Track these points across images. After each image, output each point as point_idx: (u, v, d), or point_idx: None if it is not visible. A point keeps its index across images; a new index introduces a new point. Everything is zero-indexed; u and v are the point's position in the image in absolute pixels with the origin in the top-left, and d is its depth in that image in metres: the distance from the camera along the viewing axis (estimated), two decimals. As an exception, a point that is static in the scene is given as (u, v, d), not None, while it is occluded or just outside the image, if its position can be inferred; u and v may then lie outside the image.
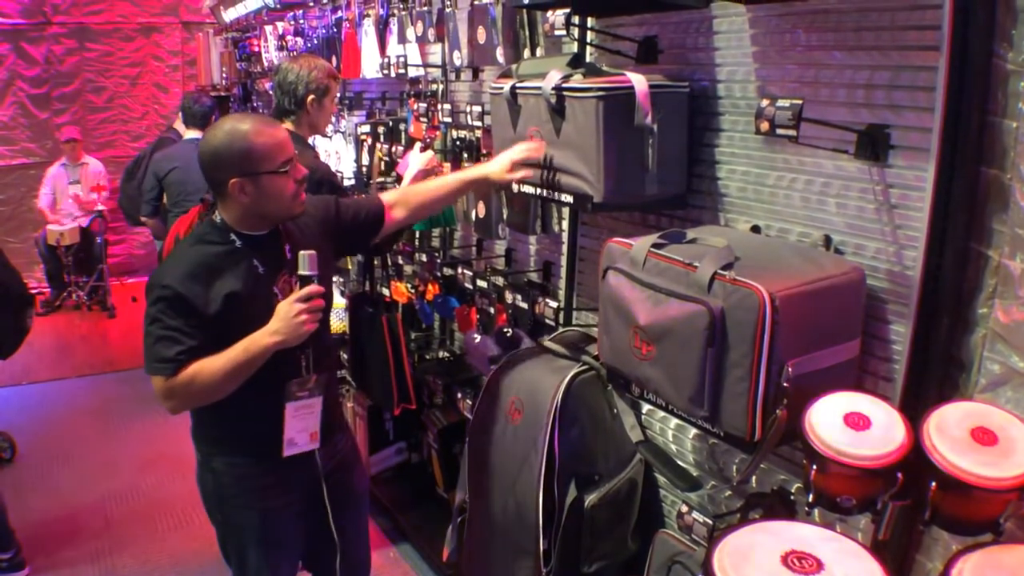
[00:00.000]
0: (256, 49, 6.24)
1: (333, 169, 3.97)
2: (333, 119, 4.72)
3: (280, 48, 5.47)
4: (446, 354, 4.09)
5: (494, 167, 2.46)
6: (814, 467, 1.49)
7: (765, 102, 1.80)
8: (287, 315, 2.12)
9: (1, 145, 8.50)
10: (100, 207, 7.71)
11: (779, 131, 1.77)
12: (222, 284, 2.15)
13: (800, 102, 1.75)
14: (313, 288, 2.15)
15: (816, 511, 1.90)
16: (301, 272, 2.16)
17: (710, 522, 2.11)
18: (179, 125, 6.03)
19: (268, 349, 2.12)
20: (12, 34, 8.36)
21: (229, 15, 7.53)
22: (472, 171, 2.63)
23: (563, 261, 3.00)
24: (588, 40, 2.64)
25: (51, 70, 8.62)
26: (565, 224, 2.98)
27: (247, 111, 6.70)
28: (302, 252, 2.17)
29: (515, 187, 2.45)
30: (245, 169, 2.11)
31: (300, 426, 2.33)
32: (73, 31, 8.66)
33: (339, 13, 4.50)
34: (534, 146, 2.32)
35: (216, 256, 2.18)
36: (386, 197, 2.61)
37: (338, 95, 3.84)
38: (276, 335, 2.12)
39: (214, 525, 2.46)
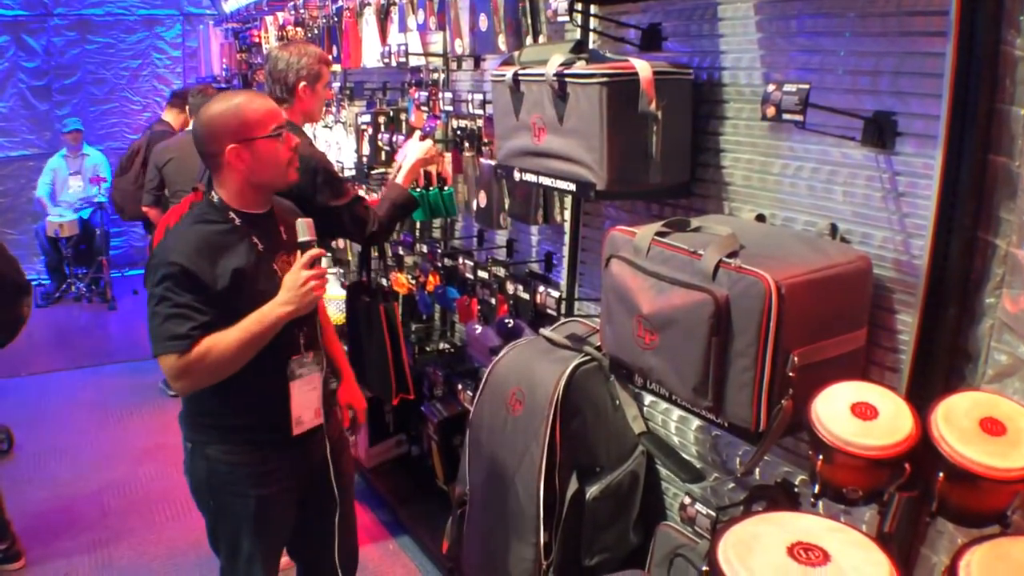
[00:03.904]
0: (257, 40, 6.22)
1: (332, 159, 3.94)
2: (333, 109, 4.70)
3: (281, 38, 5.45)
4: (446, 345, 4.07)
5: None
6: (820, 457, 1.47)
7: (771, 87, 1.77)
8: (295, 284, 2.16)
9: (1, 137, 8.47)
10: (101, 198, 7.67)
11: (785, 116, 1.74)
12: (227, 261, 2.17)
13: (807, 87, 1.72)
14: (315, 252, 2.19)
15: (820, 503, 1.88)
16: (301, 239, 2.21)
17: (713, 514, 2.09)
18: (168, 116, 6.01)
19: (281, 319, 2.16)
20: (13, 25, 8.33)
21: (230, 6, 7.52)
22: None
23: (565, 251, 2.98)
24: (591, 27, 2.61)
25: (52, 62, 8.59)
26: (567, 214, 2.95)
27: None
28: (299, 220, 2.24)
29: (517, 175, 2.42)
30: (241, 135, 2.17)
31: (304, 403, 2.37)
32: (74, 23, 8.62)
33: (340, 2, 4.48)
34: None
35: (217, 234, 2.20)
36: None
37: (332, 81, 3.81)
38: (288, 305, 2.16)
39: (204, 514, 2.44)
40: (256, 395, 2.29)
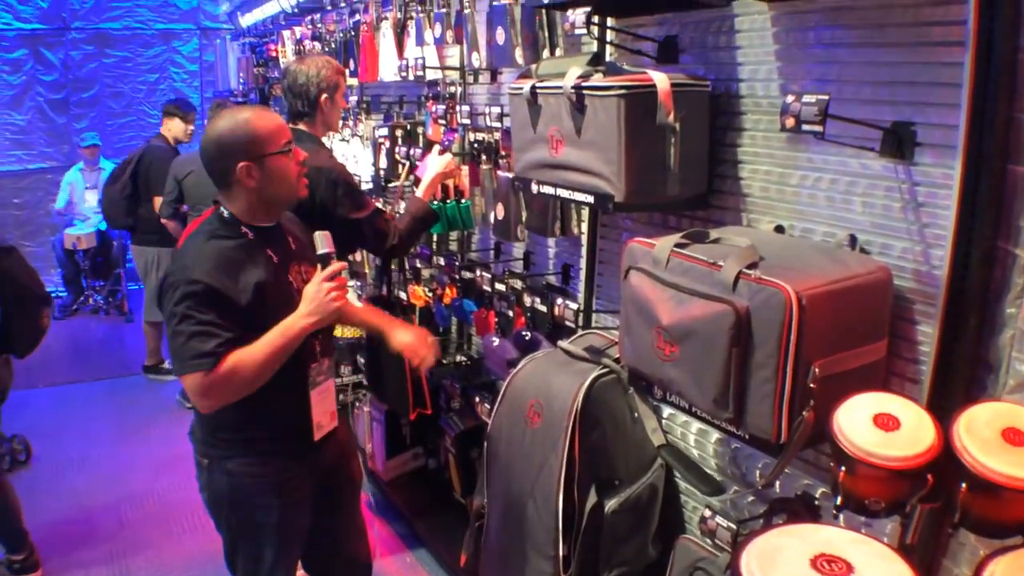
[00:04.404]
0: (274, 54, 6.26)
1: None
2: (350, 123, 4.73)
3: (297, 52, 5.48)
4: (463, 358, 4.07)
5: (396, 337, 2.70)
6: (842, 469, 1.46)
7: (791, 98, 1.77)
8: (317, 296, 2.17)
9: (19, 149, 8.55)
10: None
11: (805, 127, 1.74)
12: (247, 275, 2.18)
13: (826, 97, 1.72)
14: (336, 266, 2.21)
15: (841, 515, 1.87)
16: (320, 251, 2.22)
17: (734, 527, 2.08)
18: (166, 130, 6.05)
19: (305, 331, 2.18)
20: (31, 39, 8.42)
21: (247, 20, 7.57)
22: (378, 319, 2.83)
23: (583, 263, 2.98)
24: (608, 40, 2.62)
25: (69, 75, 8.67)
26: (584, 226, 2.96)
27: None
28: (317, 233, 2.24)
29: (535, 188, 2.43)
30: (251, 152, 2.17)
31: (322, 409, 2.41)
32: (92, 36, 8.72)
33: (357, 16, 4.50)
34: None
35: (233, 249, 2.20)
36: None
37: (347, 91, 3.83)
38: (311, 316, 2.17)
39: (222, 530, 2.43)
40: (277, 405, 2.29)
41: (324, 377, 2.41)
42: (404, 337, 2.69)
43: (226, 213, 2.24)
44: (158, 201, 5.70)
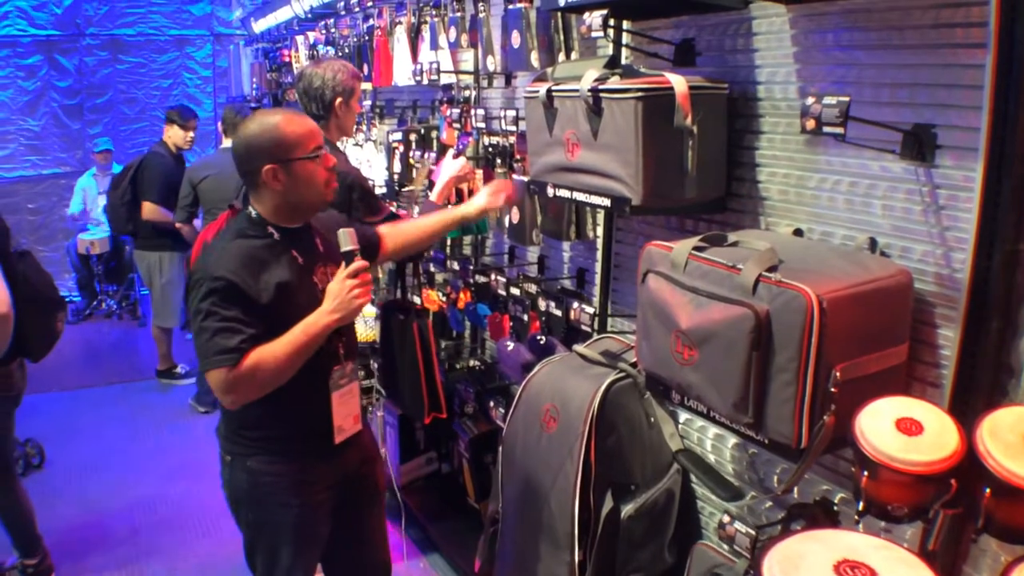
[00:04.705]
0: (288, 59, 6.27)
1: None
2: (364, 127, 4.73)
3: (311, 57, 5.49)
4: (476, 363, 4.06)
5: (469, 208, 2.79)
6: (865, 474, 1.45)
7: (811, 100, 1.76)
8: (340, 293, 2.17)
9: (33, 155, 8.60)
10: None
11: (826, 129, 1.73)
12: (270, 274, 2.19)
13: (847, 99, 1.71)
14: (359, 263, 2.19)
15: (861, 521, 1.85)
16: (343, 248, 2.21)
17: (753, 532, 2.06)
18: (167, 136, 6.05)
19: (328, 328, 2.18)
20: (46, 45, 8.47)
21: (260, 26, 7.58)
22: (451, 213, 2.82)
23: (598, 268, 2.97)
24: (624, 43, 2.61)
25: (84, 81, 8.72)
26: (600, 230, 2.94)
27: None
28: (340, 230, 2.22)
29: (550, 191, 2.42)
30: (277, 156, 2.18)
31: (345, 412, 2.40)
32: (106, 43, 8.77)
33: (371, 21, 4.50)
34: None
35: (258, 248, 2.22)
36: (381, 229, 2.71)
37: (363, 96, 3.83)
38: (334, 313, 2.17)
39: (242, 527, 2.45)
40: (299, 406, 2.31)
41: (347, 380, 2.40)
42: (479, 201, 2.77)
43: (254, 213, 2.26)
44: (147, 206, 5.74)
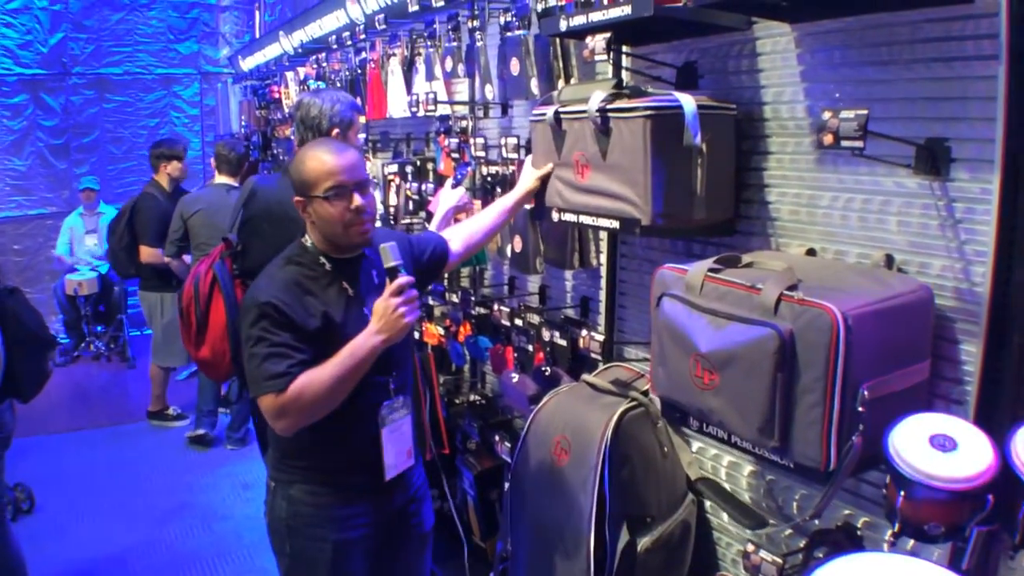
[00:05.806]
0: (277, 96, 6.25)
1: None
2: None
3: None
4: (477, 397, 4.00)
5: (519, 192, 2.60)
6: (901, 493, 1.40)
7: (827, 114, 1.74)
8: (385, 312, 2.10)
9: (19, 195, 8.53)
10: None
11: (844, 143, 1.70)
12: (316, 302, 2.16)
13: (865, 112, 1.68)
14: (404, 280, 2.11)
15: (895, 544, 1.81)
16: (386, 265, 2.13)
17: (780, 561, 2.01)
18: (161, 178, 5.99)
19: (375, 349, 2.11)
20: (31, 84, 8.44)
21: (248, 64, 7.58)
22: (508, 200, 2.67)
23: (602, 295, 2.93)
24: (624, 66, 2.59)
25: (70, 120, 8.68)
26: (603, 257, 2.91)
27: (276, 158, 6.72)
28: (382, 245, 2.14)
29: (555, 216, 2.39)
30: (300, 191, 2.20)
31: (395, 449, 2.34)
32: (92, 82, 8.74)
33: (363, 55, 4.49)
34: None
35: (306, 276, 2.20)
36: (445, 232, 2.66)
37: (361, 128, 3.79)
38: (380, 334, 2.10)
39: (278, 557, 2.38)
40: (346, 440, 2.26)
41: (399, 415, 2.34)
42: (526, 182, 2.59)
43: (308, 241, 2.25)
44: (144, 250, 5.69)
